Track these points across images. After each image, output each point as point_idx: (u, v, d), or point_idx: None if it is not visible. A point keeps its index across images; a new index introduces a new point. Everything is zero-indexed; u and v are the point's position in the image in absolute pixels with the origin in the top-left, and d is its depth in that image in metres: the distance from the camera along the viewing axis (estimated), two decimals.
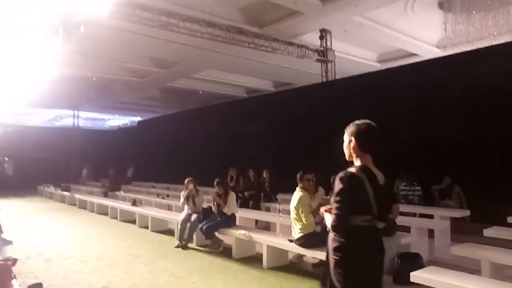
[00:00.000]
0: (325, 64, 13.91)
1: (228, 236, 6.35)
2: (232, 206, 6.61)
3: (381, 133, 2.39)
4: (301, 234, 4.92)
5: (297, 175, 5.27)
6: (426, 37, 15.20)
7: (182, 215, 7.10)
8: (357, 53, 17.01)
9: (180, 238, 6.89)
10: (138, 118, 32.80)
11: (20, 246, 7.01)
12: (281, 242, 5.37)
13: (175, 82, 20.88)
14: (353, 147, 2.40)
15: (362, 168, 2.34)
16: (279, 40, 12.40)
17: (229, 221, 6.56)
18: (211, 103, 24.13)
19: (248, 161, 11.91)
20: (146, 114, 29.23)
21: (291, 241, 5.23)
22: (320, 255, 4.70)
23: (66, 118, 30.43)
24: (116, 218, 9.91)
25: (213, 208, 6.78)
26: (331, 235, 2.38)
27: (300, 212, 4.90)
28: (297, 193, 5.05)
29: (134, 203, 9.60)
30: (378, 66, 17.92)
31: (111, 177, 12.94)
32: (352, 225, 2.30)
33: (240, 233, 5.97)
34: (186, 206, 7.23)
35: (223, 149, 14.13)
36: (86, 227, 8.98)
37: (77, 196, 12.51)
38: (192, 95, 24.55)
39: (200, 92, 24.07)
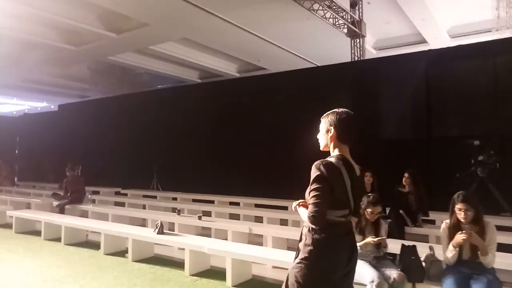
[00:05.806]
0: (356, 39, 11.08)
1: None
2: (493, 248, 3.32)
3: (358, 123, 2.17)
4: None
5: None
6: (451, 21, 13.56)
7: (370, 268, 3.55)
8: None
9: None
10: (44, 104, 26.19)
11: None
12: None
13: (118, 56, 16.19)
14: (332, 137, 2.17)
15: (340, 158, 2.10)
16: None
17: (494, 284, 3.26)
18: (151, 87, 19.81)
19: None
20: (58, 99, 23.00)
21: None
22: None
23: None
24: (123, 256, 5.74)
25: (449, 253, 3.40)
26: (305, 229, 2.09)
27: None
28: None
29: (161, 230, 5.56)
30: (375, 54, 16.04)
31: (69, 182, 8.28)
32: (329, 221, 2.02)
33: None
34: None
35: (205, 144, 10.53)
36: (88, 283, 4.70)
37: (12, 213, 7.63)
38: (130, 76, 19.81)
39: (135, 71, 19.57)
